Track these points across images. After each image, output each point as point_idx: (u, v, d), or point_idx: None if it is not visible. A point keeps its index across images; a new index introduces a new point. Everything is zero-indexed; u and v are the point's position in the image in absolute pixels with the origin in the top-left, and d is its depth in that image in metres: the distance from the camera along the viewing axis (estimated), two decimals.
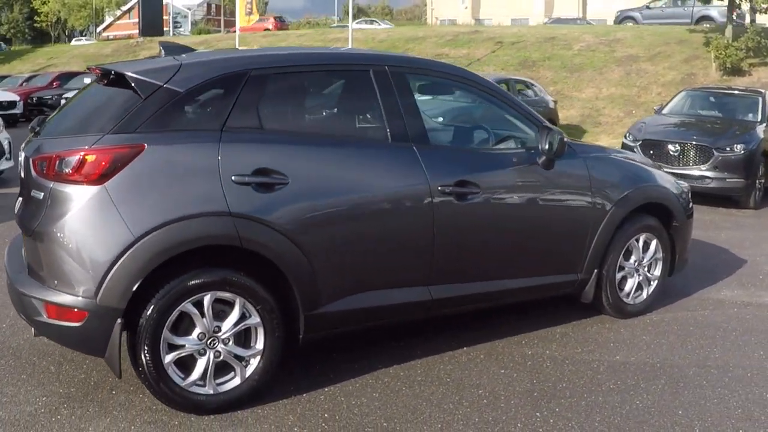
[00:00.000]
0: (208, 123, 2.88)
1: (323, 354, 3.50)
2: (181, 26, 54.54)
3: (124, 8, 53.87)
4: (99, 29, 54.96)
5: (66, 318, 2.68)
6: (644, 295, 4.29)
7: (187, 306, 2.76)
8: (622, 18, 25.90)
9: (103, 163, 2.65)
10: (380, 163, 3.18)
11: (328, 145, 3.08)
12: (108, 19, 56.38)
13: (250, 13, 22.33)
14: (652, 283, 4.32)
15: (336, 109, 3.38)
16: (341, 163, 3.09)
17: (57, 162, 2.69)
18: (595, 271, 3.94)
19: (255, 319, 2.89)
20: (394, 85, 3.28)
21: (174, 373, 2.79)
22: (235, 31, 25.08)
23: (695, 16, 23.51)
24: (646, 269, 4.26)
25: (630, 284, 4.20)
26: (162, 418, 2.83)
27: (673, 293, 4.72)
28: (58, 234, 2.68)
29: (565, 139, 3.50)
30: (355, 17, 26.76)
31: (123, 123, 2.74)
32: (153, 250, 2.65)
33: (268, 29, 36.06)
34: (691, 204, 4.52)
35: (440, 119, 4.01)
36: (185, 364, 2.83)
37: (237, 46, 21.56)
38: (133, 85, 2.81)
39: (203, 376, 2.83)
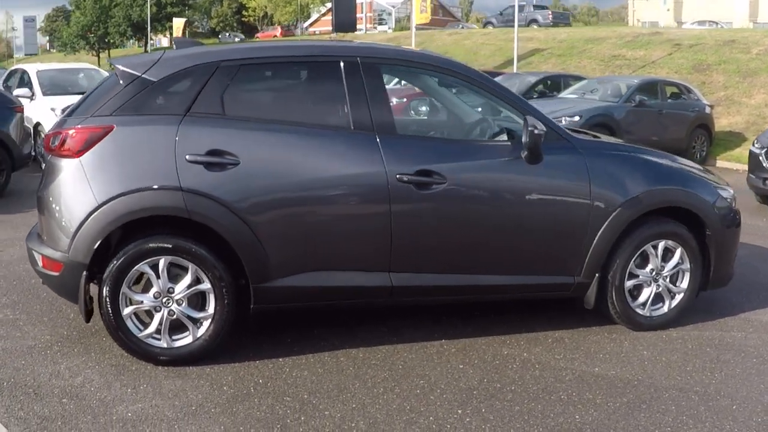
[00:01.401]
0: (175, 108, 3.22)
1: (305, 327, 3.72)
2: (386, 23, 56.50)
3: (329, 5, 57.17)
4: (305, 24, 58.56)
5: (51, 268, 3.20)
6: (665, 308, 3.92)
7: (144, 267, 3.14)
8: None
9: (80, 140, 3.12)
10: (337, 150, 3.31)
11: (284, 131, 3.28)
12: (314, 15, 59.85)
13: (424, 11, 23.05)
14: (676, 296, 3.92)
15: (301, 98, 3.53)
16: (295, 148, 3.27)
17: (52, 138, 3.22)
18: (597, 275, 3.69)
19: (206, 285, 3.20)
20: (364, 76, 3.38)
21: (133, 325, 3.20)
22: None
23: None
24: (667, 280, 3.89)
25: (646, 294, 3.85)
26: (124, 363, 3.26)
27: (717, 309, 4.24)
28: (48, 198, 3.21)
29: (537, 131, 3.32)
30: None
31: (104, 107, 3.20)
32: (111, 216, 3.07)
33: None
34: (735, 213, 4.01)
35: (424, 109, 3.99)
36: (145, 316, 3.24)
37: (413, 45, 22.29)
38: (117, 75, 3.26)
39: (158, 331, 3.21)
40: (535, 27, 29.13)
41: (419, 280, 3.46)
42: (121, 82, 3.24)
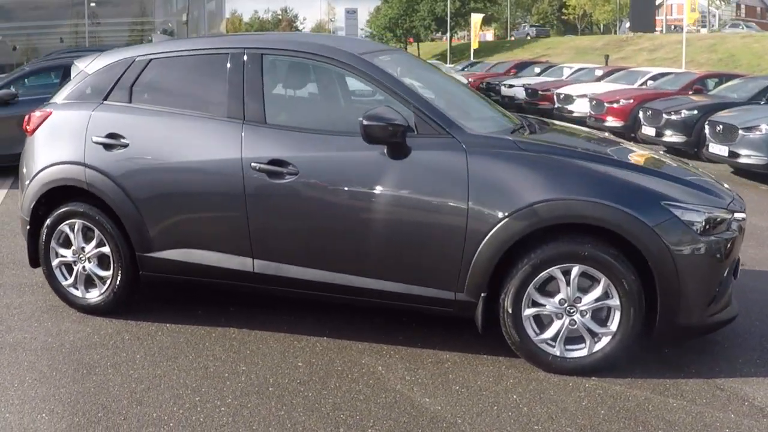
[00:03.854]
0: (96, 97, 3.76)
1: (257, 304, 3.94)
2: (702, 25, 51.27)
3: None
4: (627, 25, 55.92)
5: (22, 223, 4.05)
6: (585, 350, 3.18)
7: (65, 227, 3.76)
8: None
9: (33, 122, 3.90)
10: (207, 137, 3.48)
11: (169, 118, 3.57)
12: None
13: (693, 11, 20.68)
14: (602, 338, 3.15)
15: (194, 89, 3.69)
16: (175, 135, 3.55)
17: (25, 119, 4.06)
18: (483, 295, 3.19)
19: (107, 248, 3.72)
20: (245, 67, 3.49)
21: (61, 275, 3.87)
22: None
23: None
24: (587, 316, 3.14)
25: (554, 328, 3.18)
26: (61, 310, 3.97)
27: (679, 364, 3.27)
28: (19, 167, 4.07)
29: (386, 122, 3.01)
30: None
31: (59, 95, 3.93)
32: (40, 183, 3.77)
33: None
34: (707, 245, 3.07)
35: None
36: (70, 269, 3.87)
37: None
38: (71, 68, 3.97)
39: (75, 282, 3.84)
40: None
41: (281, 270, 3.45)
42: (72, 74, 3.94)
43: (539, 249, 3.11)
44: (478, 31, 37.43)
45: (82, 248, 3.79)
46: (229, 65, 3.53)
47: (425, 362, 3.35)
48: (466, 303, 3.23)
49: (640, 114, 10.88)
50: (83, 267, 3.80)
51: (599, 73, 16.69)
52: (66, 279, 3.87)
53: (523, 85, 17.92)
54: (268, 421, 2.82)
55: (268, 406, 2.93)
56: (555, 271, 3.11)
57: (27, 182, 3.87)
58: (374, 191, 3.24)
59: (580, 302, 3.13)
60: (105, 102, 3.75)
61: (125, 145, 3.61)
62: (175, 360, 3.35)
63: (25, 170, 3.94)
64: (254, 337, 3.61)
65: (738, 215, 3.32)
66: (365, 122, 3.06)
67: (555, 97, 15.04)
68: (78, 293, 3.85)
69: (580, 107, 13.67)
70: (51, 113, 3.85)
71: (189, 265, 3.60)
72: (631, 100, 11.67)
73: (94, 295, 3.82)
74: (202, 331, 3.68)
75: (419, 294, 3.29)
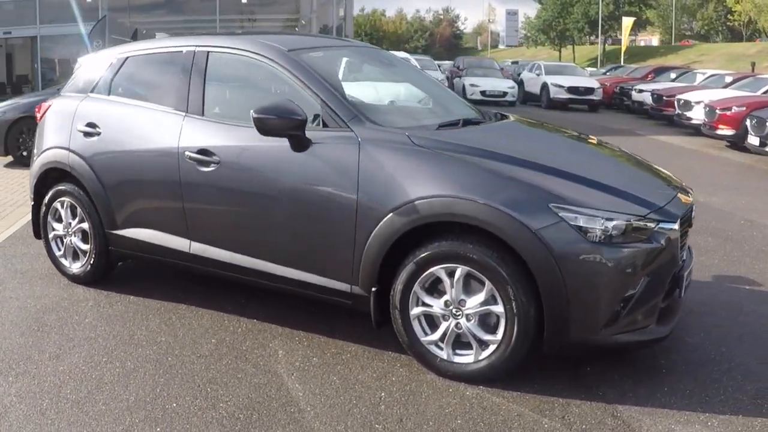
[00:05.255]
0: (85, 90, 4.26)
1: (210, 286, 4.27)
2: None
3: None
4: None
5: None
6: (472, 357, 3.07)
7: (57, 204, 4.29)
8: None
9: (41, 111, 4.49)
10: (158, 127, 3.80)
11: (133, 110, 3.95)
12: None
13: None
14: (489, 346, 3.02)
15: (158, 83, 3.99)
16: (135, 124, 3.91)
17: (36, 108, 4.67)
18: (374, 290, 3.20)
19: (86, 225, 4.19)
20: (193, 64, 3.77)
21: (55, 247, 4.42)
22: None
23: None
24: (473, 321, 3.03)
25: (441, 331, 3.11)
26: (54, 278, 4.52)
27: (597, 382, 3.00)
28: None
29: (276, 115, 3.13)
30: None
31: (63, 88, 4.49)
32: (39, 165, 4.34)
33: None
34: (593, 248, 2.83)
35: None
36: (62, 242, 4.39)
37: None
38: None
39: (64, 255, 4.36)
40: None
41: (208, 252, 3.69)
42: (74, 69, 4.48)
43: (424, 247, 3.05)
44: (628, 34, 35.43)
45: (69, 223, 4.30)
46: (182, 62, 3.84)
47: (326, 352, 3.42)
48: (361, 296, 3.25)
49: (747, 122, 9.79)
50: (70, 240, 4.32)
51: (729, 79, 15.15)
52: (59, 250, 4.41)
53: (651, 91, 16.76)
54: (145, 386, 3.06)
55: (156, 373, 3.18)
56: (439, 271, 3.04)
57: (32, 164, 4.47)
58: (278, 182, 3.37)
59: (465, 305, 3.03)
60: (90, 94, 4.23)
61: (99, 134, 4.05)
62: (113, 326, 3.72)
63: (35, 152, 4.56)
64: (193, 313, 3.89)
65: (666, 226, 3.01)
66: (254, 115, 3.20)
67: (675, 103, 13.92)
68: (66, 263, 4.37)
69: (698, 114, 12.54)
70: (51, 104, 4.42)
71: (142, 242, 3.96)
72: (744, 108, 10.54)
73: (77, 266, 4.32)
74: (155, 304, 4.03)
75: (320, 284, 3.36)
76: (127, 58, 4.18)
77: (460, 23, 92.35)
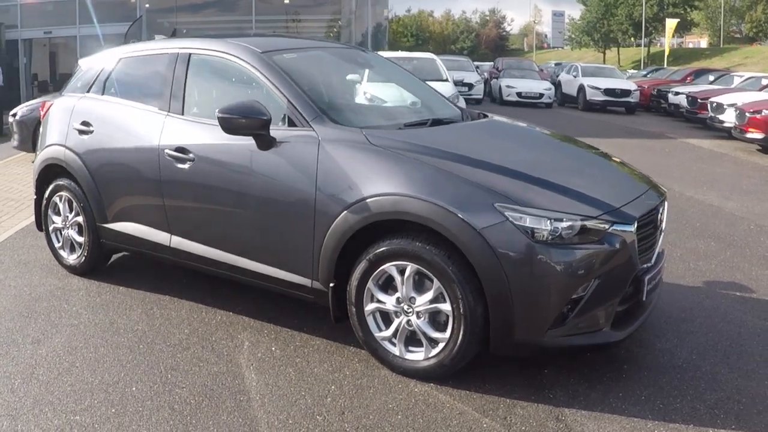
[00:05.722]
0: (83, 90, 4.48)
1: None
2: None
3: None
4: None
5: None
6: (422, 355, 3.13)
7: (56, 198, 4.53)
8: None
9: (45, 110, 4.74)
10: (143, 125, 3.97)
11: (121, 109, 4.14)
12: None
13: None
14: (438, 344, 3.07)
15: (144, 84, 4.17)
16: (123, 123, 4.10)
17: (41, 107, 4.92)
18: (332, 285, 3.29)
19: (81, 218, 4.41)
20: (176, 65, 3.94)
21: (55, 239, 4.65)
22: None
23: None
24: (424, 319, 3.09)
25: (393, 327, 3.18)
26: (53, 269, 4.76)
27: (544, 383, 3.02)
28: None
29: (238, 115, 3.26)
30: None
31: (64, 88, 4.73)
32: (39, 160, 4.59)
33: None
34: (539, 248, 2.85)
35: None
36: (61, 234, 4.64)
37: None
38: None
39: (64, 247, 4.60)
40: None
41: (184, 245, 3.85)
42: (74, 70, 4.72)
43: (377, 244, 3.13)
44: (671, 36, 34.54)
45: (67, 217, 4.53)
46: (167, 64, 4.01)
47: (291, 344, 3.53)
48: (321, 292, 3.35)
49: None
50: (67, 233, 4.55)
51: (765, 82, 14.65)
52: (58, 242, 4.65)
53: (687, 93, 16.36)
54: (112, 370, 3.22)
55: (125, 359, 3.35)
56: (391, 268, 3.12)
57: (35, 160, 4.73)
58: (246, 179, 3.50)
59: (416, 303, 3.09)
60: (86, 94, 4.45)
61: (91, 132, 4.27)
62: (96, 315, 3.91)
63: (38, 149, 4.81)
64: (174, 304, 4.07)
65: (621, 228, 3.00)
66: (219, 114, 3.33)
67: (708, 106, 13.57)
68: (64, 255, 4.61)
69: (729, 117, 12.20)
70: (52, 104, 4.67)
71: (129, 236, 4.15)
72: None
73: (73, 258, 4.55)
74: (141, 295, 4.22)
75: (285, 279, 3.48)
76: (120, 59, 4.38)
77: (506, 24, 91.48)
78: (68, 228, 4.53)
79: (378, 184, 3.10)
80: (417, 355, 3.15)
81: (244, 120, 3.31)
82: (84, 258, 4.47)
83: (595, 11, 46.47)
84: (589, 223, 2.94)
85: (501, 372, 3.22)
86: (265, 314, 3.90)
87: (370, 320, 3.23)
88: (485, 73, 27.48)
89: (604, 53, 48.21)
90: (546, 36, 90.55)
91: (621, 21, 45.15)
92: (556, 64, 36.23)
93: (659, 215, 3.40)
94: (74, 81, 4.67)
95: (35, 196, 4.77)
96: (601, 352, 3.42)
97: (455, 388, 3.09)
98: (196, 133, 3.74)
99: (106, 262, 4.61)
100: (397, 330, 3.17)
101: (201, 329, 3.72)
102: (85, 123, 4.32)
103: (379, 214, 3.08)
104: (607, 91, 19.90)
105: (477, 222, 2.88)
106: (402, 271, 3.09)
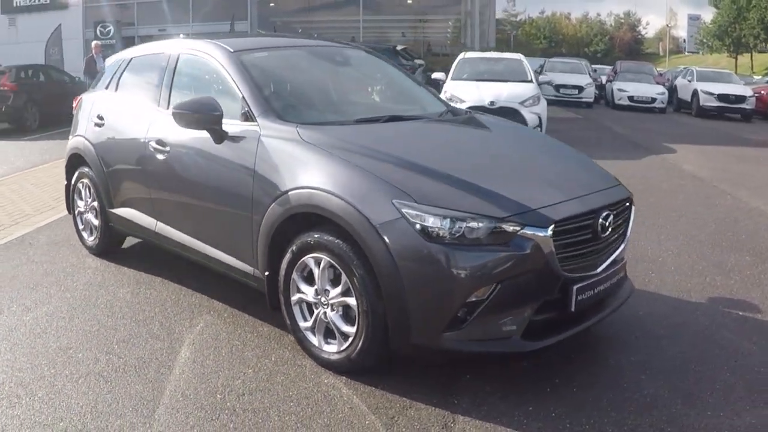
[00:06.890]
0: (104, 86, 4.96)
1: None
2: None
3: None
4: None
5: None
6: (335, 348, 3.21)
7: (79, 184, 5.05)
8: None
9: (75, 104, 5.28)
10: (138, 119, 4.35)
11: (126, 104, 4.56)
12: None
13: None
14: (348, 338, 3.14)
15: (146, 81, 4.50)
16: (126, 116, 4.51)
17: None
18: (266, 274, 3.44)
19: (96, 202, 4.88)
20: (168, 64, 4.28)
21: (79, 222, 5.17)
22: None
23: None
24: (337, 312, 3.16)
25: (314, 317, 3.27)
26: (79, 249, 5.27)
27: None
28: None
29: (188, 111, 3.50)
30: None
31: (94, 84, 5.25)
32: (68, 149, 5.12)
33: None
34: (435, 248, 2.82)
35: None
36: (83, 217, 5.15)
37: None
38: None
39: (84, 227, 5.09)
40: None
41: (168, 232, 4.16)
42: (103, 68, 5.22)
43: (298, 236, 3.23)
44: None
45: (87, 201, 5.03)
46: (163, 62, 4.36)
47: (240, 329, 3.72)
48: (258, 279, 3.51)
49: None
50: (87, 216, 5.04)
51: None
52: (81, 225, 5.17)
53: None
54: (71, 337, 3.59)
55: (89, 330, 3.70)
56: (309, 260, 3.22)
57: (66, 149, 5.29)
58: (203, 170, 3.78)
59: (329, 296, 3.17)
60: (105, 90, 4.92)
61: (103, 125, 4.72)
62: (89, 291, 4.33)
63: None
64: (162, 286, 4.40)
65: (533, 231, 2.88)
66: (173, 110, 3.60)
67: None
68: (86, 236, 5.12)
69: None
70: (81, 98, 5.20)
71: (127, 221, 4.55)
72: None
73: (91, 239, 5.05)
74: (138, 276, 4.60)
75: (235, 266, 3.69)
76: (132, 58, 4.81)
77: (641, 28, 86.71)
78: (87, 212, 5.02)
79: (300, 178, 3.21)
80: (332, 347, 3.22)
81: (196, 115, 3.55)
82: (98, 240, 4.94)
83: (726, 15, 42.97)
84: (495, 225, 2.85)
85: (423, 374, 3.20)
86: (236, 301, 4.10)
87: (296, 310, 3.35)
88: (602, 77, 26.40)
89: (736, 58, 44.36)
90: (684, 40, 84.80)
91: (753, 25, 41.49)
92: (683, 69, 33.89)
93: (601, 220, 3.19)
94: (98, 78, 5.17)
95: (66, 182, 5.32)
96: (531, 360, 3.31)
97: (365, 384, 3.11)
98: (172, 127, 4.03)
99: (120, 244, 5.05)
100: (315, 321, 3.26)
101: (170, 309, 4.01)
102: (99, 116, 4.79)
103: (297, 206, 3.20)
104: (721, 97, 18.45)
105: (374, 217, 2.91)
106: (318, 263, 3.18)
